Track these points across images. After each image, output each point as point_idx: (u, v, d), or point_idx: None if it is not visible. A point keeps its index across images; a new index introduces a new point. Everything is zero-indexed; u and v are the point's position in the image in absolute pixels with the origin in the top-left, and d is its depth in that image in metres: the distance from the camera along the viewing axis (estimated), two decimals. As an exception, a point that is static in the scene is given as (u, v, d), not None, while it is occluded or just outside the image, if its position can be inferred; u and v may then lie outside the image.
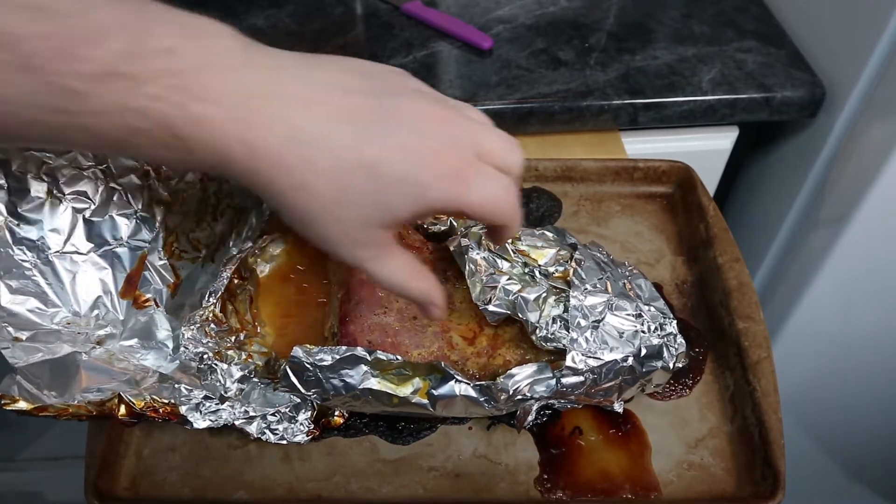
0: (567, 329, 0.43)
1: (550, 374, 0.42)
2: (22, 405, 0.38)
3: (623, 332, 0.44)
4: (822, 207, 0.73)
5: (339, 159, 0.32)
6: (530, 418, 0.45)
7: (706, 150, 0.75)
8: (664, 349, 0.44)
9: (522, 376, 0.42)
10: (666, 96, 0.69)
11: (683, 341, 0.46)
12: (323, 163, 0.32)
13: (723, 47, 0.74)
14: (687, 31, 0.77)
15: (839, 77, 0.67)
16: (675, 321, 0.46)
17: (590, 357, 0.42)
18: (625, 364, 0.43)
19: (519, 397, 0.42)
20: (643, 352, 0.44)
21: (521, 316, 0.44)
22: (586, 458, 0.46)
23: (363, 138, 0.32)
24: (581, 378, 0.42)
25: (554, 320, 0.44)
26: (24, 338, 0.41)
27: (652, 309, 0.45)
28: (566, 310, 0.44)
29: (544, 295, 0.45)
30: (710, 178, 0.78)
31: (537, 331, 0.44)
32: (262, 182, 0.32)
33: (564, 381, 0.42)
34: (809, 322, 0.79)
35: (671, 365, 0.45)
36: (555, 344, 0.44)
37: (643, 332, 0.44)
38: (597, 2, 0.82)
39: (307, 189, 0.32)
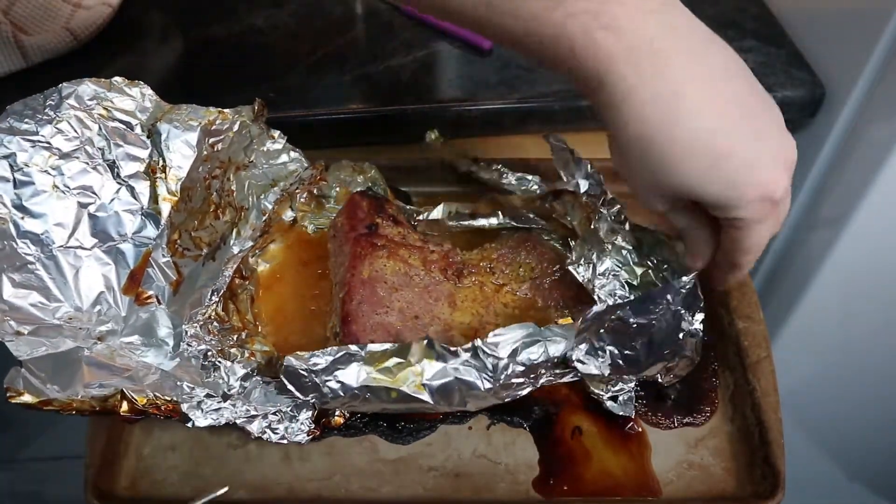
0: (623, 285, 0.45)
1: (540, 337, 0.40)
2: (27, 398, 0.39)
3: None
4: (822, 207, 0.73)
5: (693, 142, 0.35)
6: (550, 376, 0.43)
7: (706, 150, 0.75)
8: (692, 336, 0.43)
9: (510, 337, 0.40)
10: (666, 96, 0.69)
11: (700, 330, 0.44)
12: (680, 136, 0.35)
13: (723, 47, 0.74)
14: (687, 32, 0.77)
15: (839, 77, 0.67)
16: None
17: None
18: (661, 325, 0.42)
19: (519, 368, 0.40)
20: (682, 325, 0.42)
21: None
22: (586, 457, 0.46)
23: (720, 132, 0.35)
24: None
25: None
26: (25, 332, 0.41)
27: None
28: (635, 249, 0.46)
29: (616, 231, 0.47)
30: (710, 179, 0.78)
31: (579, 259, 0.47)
32: (613, 118, 0.36)
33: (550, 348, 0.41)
34: (809, 322, 0.79)
35: (696, 337, 0.44)
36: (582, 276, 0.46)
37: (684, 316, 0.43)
38: (597, 2, 0.82)
39: (652, 142, 0.36)
